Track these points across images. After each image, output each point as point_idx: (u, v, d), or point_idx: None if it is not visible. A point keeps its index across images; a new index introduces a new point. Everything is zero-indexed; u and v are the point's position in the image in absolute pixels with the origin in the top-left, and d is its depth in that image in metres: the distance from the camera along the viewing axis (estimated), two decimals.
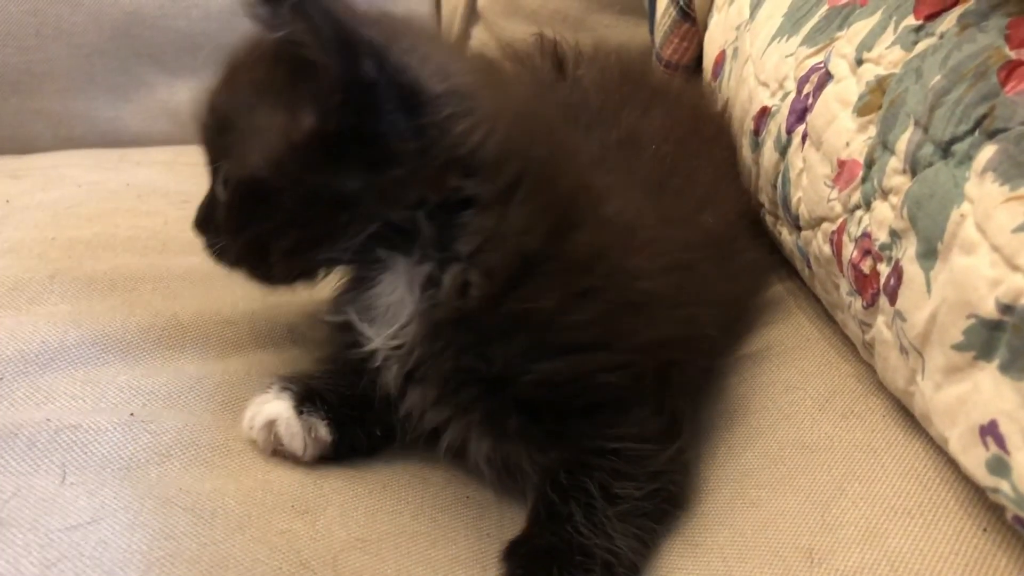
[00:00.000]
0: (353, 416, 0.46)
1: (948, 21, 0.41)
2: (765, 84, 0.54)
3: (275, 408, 0.44)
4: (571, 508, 0.41)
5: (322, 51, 0.39)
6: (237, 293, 0.54)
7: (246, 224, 0.42)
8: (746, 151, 0.56)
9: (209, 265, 0.47)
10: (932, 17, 0.42)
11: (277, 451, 0.45)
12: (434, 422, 0.45)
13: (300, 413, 0.44)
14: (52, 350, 0.47)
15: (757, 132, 0.54)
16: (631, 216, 0.45)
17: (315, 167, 0.40)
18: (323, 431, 0.45)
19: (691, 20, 0.71)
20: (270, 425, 0.44)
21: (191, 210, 0.63)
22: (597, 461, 0.43)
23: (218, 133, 0.43)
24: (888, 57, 0.43)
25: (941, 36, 0.41)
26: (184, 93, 0.85)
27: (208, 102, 0.44)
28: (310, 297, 0.49)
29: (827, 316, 0.50)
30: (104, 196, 0.66)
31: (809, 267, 0.49)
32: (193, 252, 0.58)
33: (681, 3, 0.71)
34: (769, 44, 0.55)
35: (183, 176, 0.72)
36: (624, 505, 0.42)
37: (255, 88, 0.42)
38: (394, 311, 0.44)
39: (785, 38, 0.53)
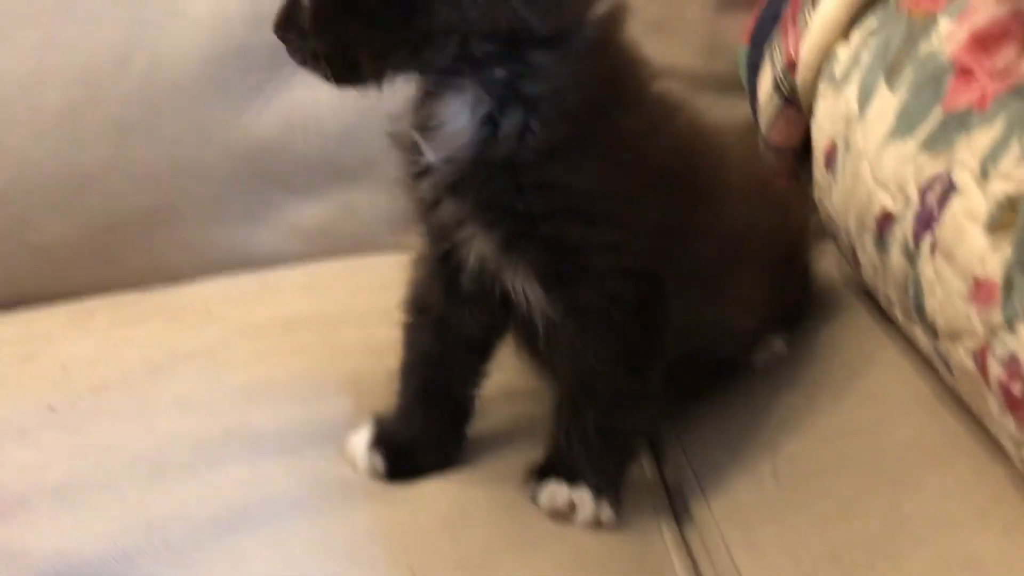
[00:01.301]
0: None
1: None
2: (884, 186, 0.55)
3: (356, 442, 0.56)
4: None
5: None
6: None
7: (331, 26, 0.46)
8: (868, 248, 0.57)
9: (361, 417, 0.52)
10: None
11: None
12: (463, 237, 0.51)
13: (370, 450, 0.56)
14: (238, 513, 0.51)
15: (881, 235, 0.55)
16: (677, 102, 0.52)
17: None
18: (381, 466, 0.55)
19: (795, 106, 0.72)
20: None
21: (336, 344, 0.68)
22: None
23: None
24: (1016, 175, 0.44)
25: None
26: (309, 211, 0.90)
27: None
28: None
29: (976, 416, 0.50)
30: (254, 335, 0.70)
31: (951, 373, 0.50)
32: (346, 394, 0.63)
33: (784, 91, 0.72)
34: (885, 145, 0.55)
35: (321, 300, 0.77)
36: None
37: None
38: (453, 135, 0.48)
39: (901, 140, 0.54)
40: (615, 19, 0.50)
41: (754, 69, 0.79)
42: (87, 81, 0.83)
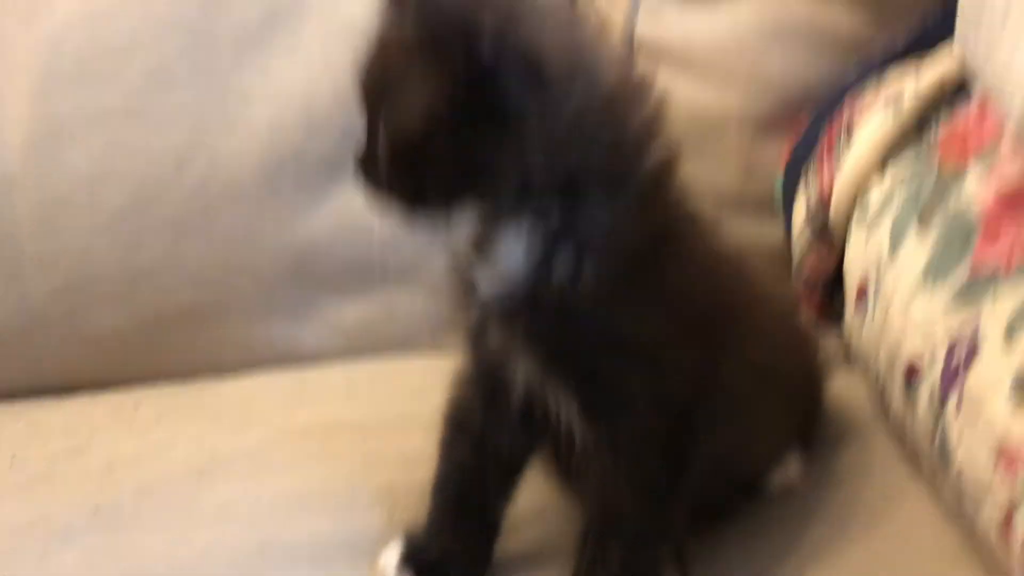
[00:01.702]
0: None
1: None
2: (913, 336, 0.56)
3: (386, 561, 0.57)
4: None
5: (442, 40, 0.45)
6: None
7: (403, 172, 0.50)
8: (897, 394, 0.58)
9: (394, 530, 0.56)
10: None
11: None
12: (509, 364, 0.54)
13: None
14: None
15: (909, 383, 0.56)
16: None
17: (454, 133, 0.47)
18: None
19: (827, 241, 0.74)
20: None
21: (371, 452, 0.70)
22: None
23: (375, 97, 0.50)
24: None
25: None
26: (351, 312, 0.93)
27: (366, 71, 0.50)
28: None
29: None
30: (295, 440, 0.73)
31: (975, 530, 0.50)
32: (380, 505, 0.64)
33: (817, 225, 0.74)
34: (914, 294, 0.57)
35: (358, 405, 0.79)
36: None
37: (401, 62, 0.48)
38: (507, 272, 0.51)
39: (929, 293, 0.56)
40: (668, 168, 0.52)
41: (789, 198, 0.81)
42: (147, 182, 0.87)
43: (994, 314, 0.49)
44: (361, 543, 0.61)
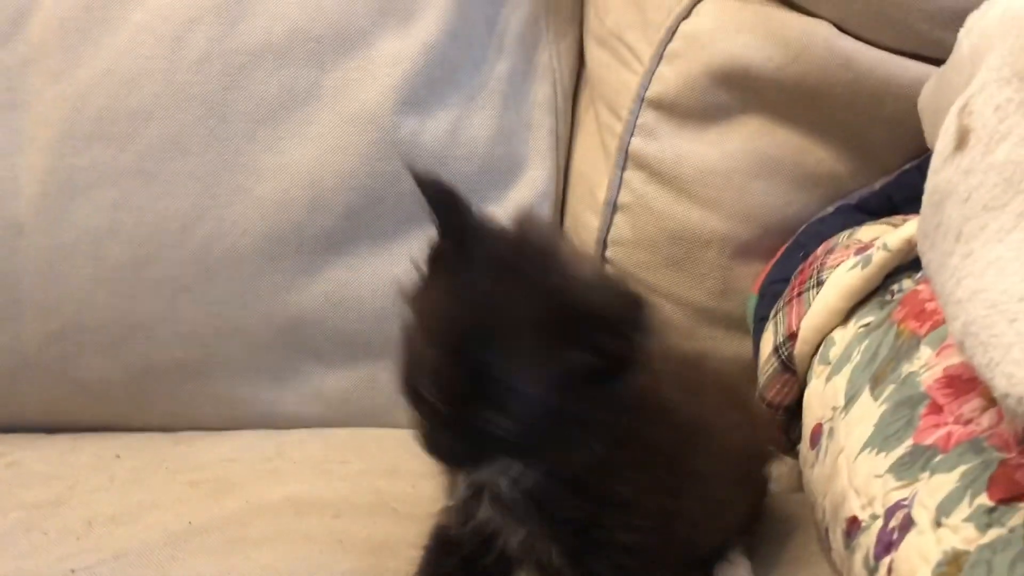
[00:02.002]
0: None
1: (1018, 516, 0.47)
2: (857, 493, 0.60)
3: None
4: None
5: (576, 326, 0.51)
6: None
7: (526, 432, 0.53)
8: (839, 543, 0.62)
9: None
10: (1005, 502, 0.49)
11: None
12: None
13: None
14: None
15: (849, 535, 0.60)
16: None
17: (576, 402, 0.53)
18: None
19: (792, 372, 0.78)
20: None
21: (340, 535, 0.73)
22: None
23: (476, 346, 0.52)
24: (963, 532, 0.49)
25: (1011, 531, 0.47)
26: (334, 381, 0.97)
27: (464, 318, 0.52)
28: None
29: None
30: (268, 514, 0.76)
31: None
32: None
33: (783, 357, 0.78)
34: (860, 451, 0.61)
35: (334, 483, 0.82)
36: None
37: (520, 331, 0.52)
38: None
39: (875, 452, 0.60)
40: (663, 358, 0.59)
41: (760, 321, 0.86)
42: (151, 241, 0.92)
43: (928, 490, 0.53)
44: None
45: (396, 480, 0.85)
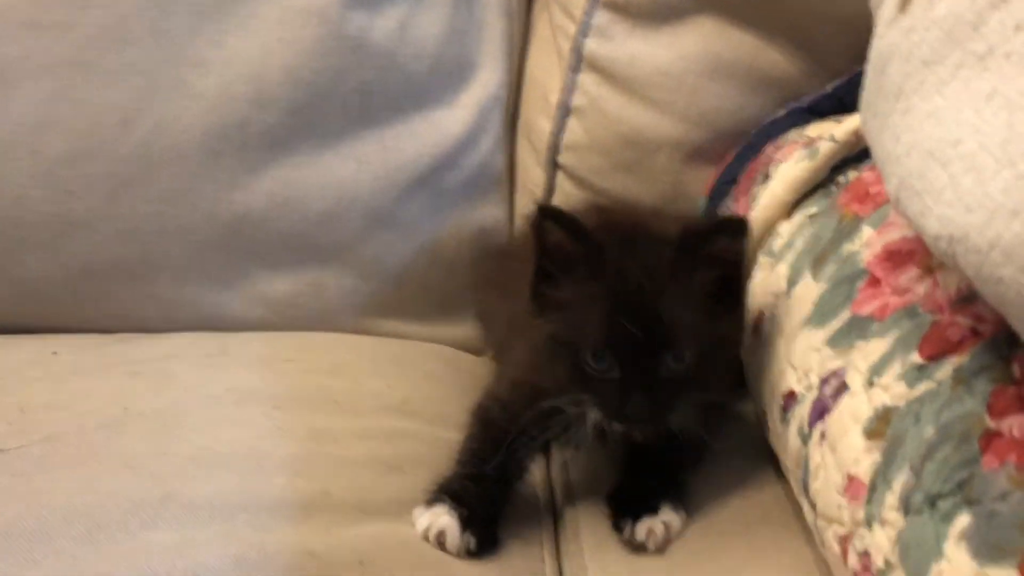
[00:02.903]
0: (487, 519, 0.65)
1: (946, 369, 0.48)
2: (794, 368, 0.61)
3: (446, 522, 0.63)
4: None
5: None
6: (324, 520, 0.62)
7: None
8: (775, 418, 0.63)
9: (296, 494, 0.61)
10: (934, 358, 0.49)
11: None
12: None
13: (463, 531, 0.63)
14: None
15: (785, 409, 0.61)
16: None
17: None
18: (473, 544, 0.63)
19: None
20: (441, 534, 0.63)
21: (280, 420, 0.73)
22: None
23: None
24: (894, 389, 0.50)
25: (939, 383, 0.47)
26: (280, 284, 0.95)
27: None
28: None
29: None
30: (208, 403, 0.74)
31: (824, 547, 0.55)
32: (281, 474, 0.67)
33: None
34: (800, 329, 0.62)
35: (275, 377, 0.81)
36: None
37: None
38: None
39: (813, 328, 0.60)
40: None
41: None
42: (90, 134, 0.89)
43: (863, 356, 0.53)
44: (262, 505, 0.64)
45: (339, 377, 0.84)
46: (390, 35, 0.92)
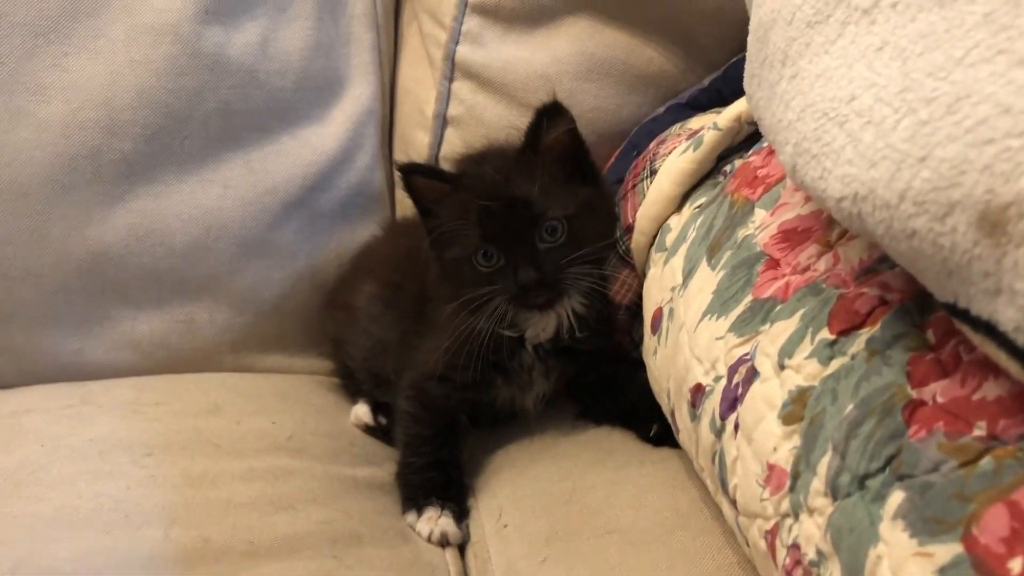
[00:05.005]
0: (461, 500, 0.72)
1: (858, 343, 0.45)
2: (699, 360, 0.58)
3: (445, 523, 0.69)
4: None
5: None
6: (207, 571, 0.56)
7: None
8: (684, 418, 0.60)
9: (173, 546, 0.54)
10: (845, 333, 0.46)
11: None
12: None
13: (459, 525, 0.69)
14: None
15: (694, 405, 0.58)
16: None
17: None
18: (467, 530, 0.70)
19: (631, 267, 0.75)
20: (444, 535, 0.68)
21: (153, 467, 0.66)
22: None
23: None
24: (807, 368, 0.47)
25: (852, 357, 0.45)
26: (146, 325, 0.88)
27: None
28: None
29: None
30: (66, 456, 0.67)
31: (748, 546, 0.52)
32: (154, 526, 0.60)
33: (620, 250, 0.75)
34: (701, 319, 0.59)
35: (145, 423, 0.74)
36: None
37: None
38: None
39: (715, 317, 0.57)
40: None
41: None
42: None
43: (770, 339, 0.51)
44: (134, 563, 0.57)
45: (218, 418, 0.77)
46: (250, 50, 0.87)
